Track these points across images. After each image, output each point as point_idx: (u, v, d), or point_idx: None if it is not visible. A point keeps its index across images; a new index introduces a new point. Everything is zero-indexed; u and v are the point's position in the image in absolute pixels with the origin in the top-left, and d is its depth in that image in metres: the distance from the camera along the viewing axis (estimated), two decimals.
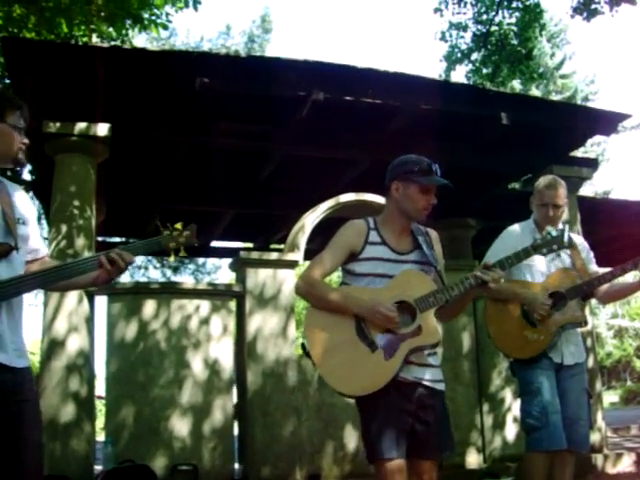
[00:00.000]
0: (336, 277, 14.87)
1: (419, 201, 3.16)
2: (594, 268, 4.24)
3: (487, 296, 4.17)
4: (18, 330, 2.56)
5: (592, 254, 4.34)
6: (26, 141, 2.63)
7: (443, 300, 3.06)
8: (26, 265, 2.66)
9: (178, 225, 2.84)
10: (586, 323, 4.18)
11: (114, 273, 2.60)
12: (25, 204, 2.69)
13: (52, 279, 2.56)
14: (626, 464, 7.73)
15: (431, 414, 3.08)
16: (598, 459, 7.41)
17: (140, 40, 17.68)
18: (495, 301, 4.13)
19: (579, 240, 4.38)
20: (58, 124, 6.28)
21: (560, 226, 4.12)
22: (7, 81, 8.27)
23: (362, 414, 3.08)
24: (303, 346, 3.13)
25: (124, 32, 10.40)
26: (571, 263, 4.15)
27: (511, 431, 7.48)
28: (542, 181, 4.24)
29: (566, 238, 3.22)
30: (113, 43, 10.54)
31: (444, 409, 3.20)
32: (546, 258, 4.03)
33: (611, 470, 7.56)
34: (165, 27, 9.59)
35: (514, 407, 7.44)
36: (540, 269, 4.09)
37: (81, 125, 6.36)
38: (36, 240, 2.72)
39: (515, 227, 4.26)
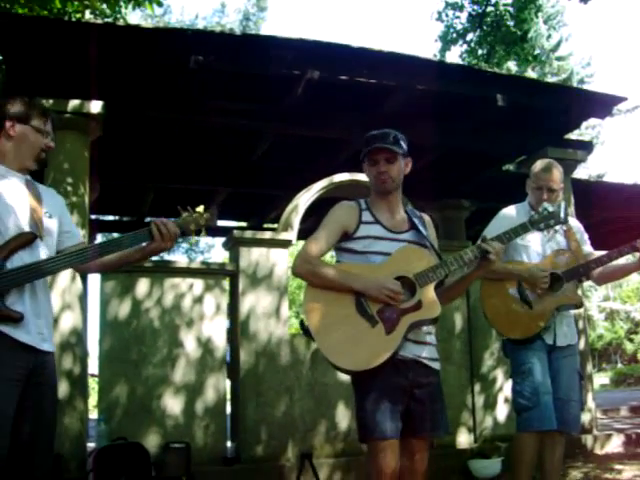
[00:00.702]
0: (329, 257, 14.90)
1: (371, 173, 3.21)
2: (588, 249, 4.26)
3: (484, 276, 4.18)
4: (42, 314, 2.73)
5: (586, 235, 4.36)
6: (51, 144, 2.88)
7: (442, 274, 3.07)
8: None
9: (199, 208, 2.93)
10: (581, 305, 4.22)
11: (165, 243, 2.80)
12: (54, 201, 2.94)
13: (90, 255, 2.78)
14: (615, 445, 7.80)
15: (426, 393, 3.10)
16: (588, 440, 7.48)
17: (134, 17, 17.57)
18: (491, 281, 4.13)
19: (573, 222, 4.38)
20: (51, 101, 6.23)
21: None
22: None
23: (357, 392, 3.08)
24: (302, 323, 3.14)
25: (118, 9, 10.31)
26: (566, 244, 4.17)
27: (502, 411, 7.53)
28: (538, 164, 4.25)
29: (562, 214, 3.25)
30: (107, 20, 10.45)
31: (439, 388, 3.21)
32: (542, 239, 4.08)
33: (600, 451, 7.64)
34: (159, 4, 9.51)
35: (505, 387, 7.49)
36: (536, 250, 4.11)
37: (74, 102, 6.32)
38: (69, 228, 2.95)
39: (511, 208, 4.27)
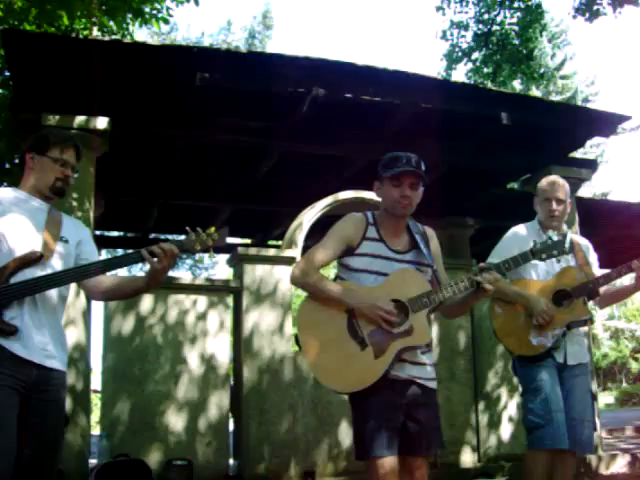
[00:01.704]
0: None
1: (392, 195, 3.14)
2: (597, 272, 4.21)
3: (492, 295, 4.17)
4: (46, 331, 2.78)
5: (594, 256, 4.33)
6: (68, 173, 2.95)
7: (436, 301, 3.07)
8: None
9: (211, 229, 2.90)
10: (592, 321, 4.18)
11: (159, 264, 2.77)
12: (76, 229, 3.04)
13: (75, 277, 2.82)
14: (620, 465, 7.74)
15: (423, 412, 3.10)
16: (592, 460, 7.42)
17: (141, 34, 17.66)
18: (500, 299, 4.11)
19: (581, 240, 4.38)
20: (57, 117, 6.26)
21: (564, 230, 4.12)
22: (7, 74, 8.24)
23: (355, 411, 3.09)
24: (296, 339, 3.15)
25: (125, 26, 10.36)
26: (575, 261, 4.14)
27: (506, 430, 7.49)
28: (544, 180, 4.28)
29: (567, 244, 3.19)
30: (114, 37, 10.51)
31: (436, 407, 3.21)
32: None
33: (605, 471, 7.58)
34: (166, 21, 9.57)
35: (509, 406, 7.46)
36: (545, 267, 4.07)
37: (80, 118, 6.35)
38: (87, 257, 2.99)
39: (520, 227, 4.27)
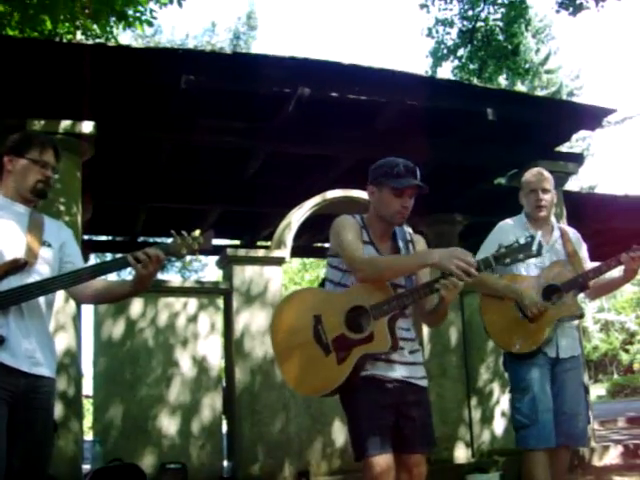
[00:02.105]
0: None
1: (392, 205, 3.13)
2: (587, 265, 4.17)
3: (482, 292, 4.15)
4: (33, 339, 2.74)
5: (585, 247, 4.28)
6: (49, 174, 2.92)
7: (397, 308, 3.04)
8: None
9: (196, 232, 2.87)
10: (582, 315, 4.14)
11: (144, 270, 2.73)
12: (58, 231, 3.00)
13: (65, 283, 2.78)
14: (613, 456, 7.78)
15: (415, 410, 3.12)
16: (585, 452, 7.46)
17: (125, 37, 17.62)
18: (490, 295, 4.09)
19: (571, 231, 4.32)
20: (42, 122, 6.23)
21: (551, 222, 4.13)
22: None
23: (347, 412, 3.13)
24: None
25: (109, 29, 10.35)
26: (565, 255, 4.11)
27: (499, 425, 7.51)
28: (527, 173, 4.26)
29: (535, 246, 3.01)
30: (98, 40, 10.48)
31: (427, 405, 3.23)
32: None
33: (598, 462, 7.62)
34: (150, 24, 9.56)
35: (502, 401, 7.48)
36: (535, 262, 3.99)
37: (66, 123, 6.32)
38: (71, 259, 2.97)
39: (508, 221, 4.24)
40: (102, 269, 2.84)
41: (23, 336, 2.69)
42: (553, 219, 4.28)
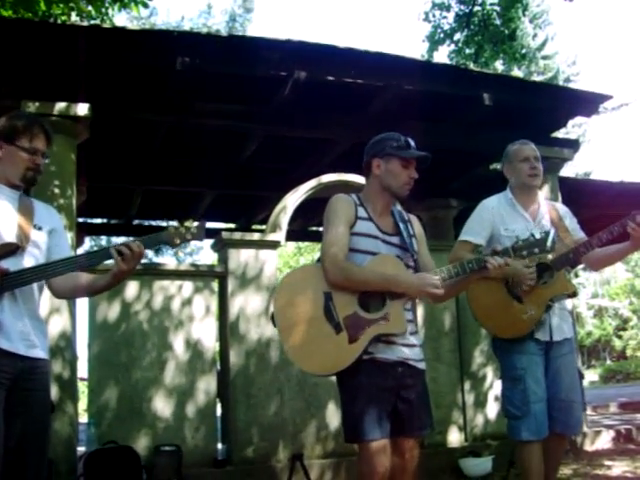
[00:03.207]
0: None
1: (401, 176, 3.19)
2: (580, 235, 4.01)
3: None
4: (27, 322, 2.73)
5: (575, 220, 4.13)
6: (39, 162, 2.88)
7: None
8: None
9: (188, 222, 2.86)
10: (576, 293, 3.98)
11: (125, 265, 2.70)
12: (47, 216, 2.97)
13: (58, 271, 2.74)
14: (605, 441, 7.85)
15: (413, 393, 3.12)
16: (577, 437, 7.51)
17: (120, 19, 17.53)
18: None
19: (560, 207, 4.20)
20: (37, 104, 6.20)
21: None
22: None
23: (343, 394, 3.10)
24: (272, 316, 3.15)
25: (104, 10, 10.28)
26: (555, 231, 3.83)
27: (492, 409, 7.55)
28: (512, 145, 4.16)
29: (549, 242, 3.08)
30: (93, 22, 10.40)
31: (425, 388, 3.23)
32: (526, 227, 3.85)
33: (590, 447, 7.69)
34: (145, 5, 9.49)
35: (495, 386, 7.51)
36: (522, 238, 3.96)
37: (60, 105, 6.29)
38: (59, 243, 2.94)
39: (491, 199, 4.13)
40: (86, 261, 2.79)
41: (17, 319, 2.69)
42: (540, 194, 4.15)
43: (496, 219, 3.96)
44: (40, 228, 2.87)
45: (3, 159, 2.84)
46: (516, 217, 3.99)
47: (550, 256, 3.76)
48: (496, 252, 3.08)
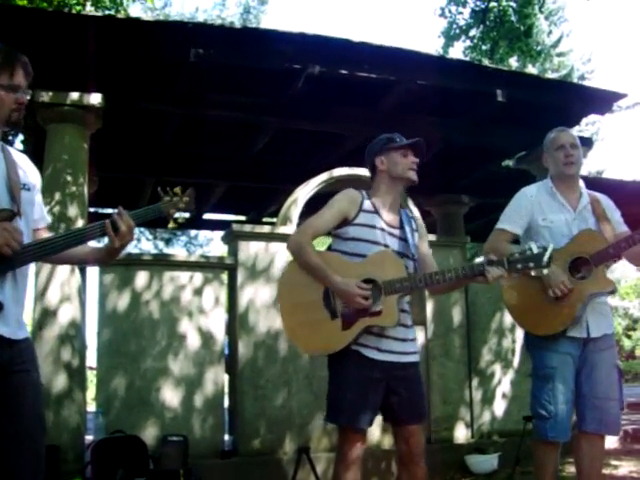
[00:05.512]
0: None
1: (403, 162, 3.38)
2: (622, 229, 3.83)
3: None
4: (20, 302, 2.53)
5: (618, 213, 3.92)
6: (23, 100, 2.52)
7: (408, 289, 3.20)
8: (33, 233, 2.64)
9: (177, 189, 2.81)
10: (615, 290, 3.76)
11: (119, 240, 2.53)
12: (30, 171, 2.66)
13: (60, 247, 2.51)
14: (611, 441, 7.79)
15: (402, 386, 3.26)
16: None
17: (135, 10, 17.50)
18: None
19: (603, 199, 3.95)
20: (50, 93, 6.22)
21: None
22: None
23: (332, 377, 3.28)
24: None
25: (118, 1, 10.30)
26: (595, 223, 3.77)
27: (500, 406, 7.53)
28: (550, 132, 4.07)
29: (546, 258, 3.01)
30: (107, 12, 10.43)
31: (416, 378, 3.36)
32: (567, 219, 3.75)
33: None
34: None
35: (503, 382, 7.51)
36: (560, 231, 3.72)
37: (73, 95, 6.31)
38: (39, 209, 2.69)
39: (531, 187, 3.97)
40: (90, 235, 2.57)
41: (14, 302, 2.45)
42: (582, 184, 3.95)
43: (535, 208, 3.81)
44: (29, 189, 2.57)
45: None
46: (556, 207, 3.82)
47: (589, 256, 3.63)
48: (491, 262, 3.13)
